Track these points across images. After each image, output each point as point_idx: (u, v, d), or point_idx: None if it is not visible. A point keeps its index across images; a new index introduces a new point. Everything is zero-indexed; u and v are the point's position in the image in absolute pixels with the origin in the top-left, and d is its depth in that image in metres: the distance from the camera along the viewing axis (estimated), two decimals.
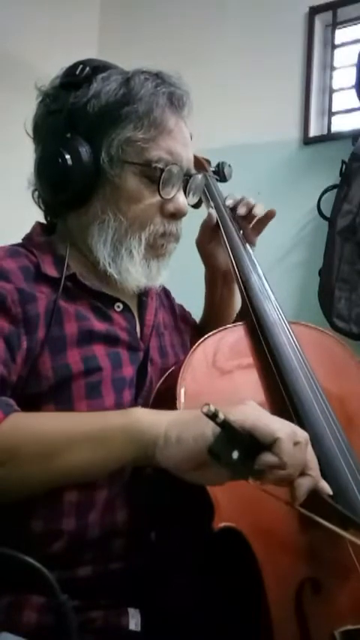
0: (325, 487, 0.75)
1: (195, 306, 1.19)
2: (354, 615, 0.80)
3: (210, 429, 0.67)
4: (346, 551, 0.82)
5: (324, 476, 0.83)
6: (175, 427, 0.71)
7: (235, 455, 0.66)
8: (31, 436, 0.75)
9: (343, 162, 1.99)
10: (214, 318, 1.11)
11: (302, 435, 0.72)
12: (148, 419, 0.74)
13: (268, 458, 0.69)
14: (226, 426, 0.66)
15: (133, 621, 0.83)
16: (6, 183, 2.02)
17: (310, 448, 0.74)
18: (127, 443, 0.73)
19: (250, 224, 1.12)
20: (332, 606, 0.80)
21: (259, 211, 1.11)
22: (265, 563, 0.77)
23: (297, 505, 0.72)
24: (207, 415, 0.65)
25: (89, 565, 0.84)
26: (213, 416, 0.65)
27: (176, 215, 0.93)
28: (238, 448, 0.66)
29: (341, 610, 0.80)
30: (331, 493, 0.75)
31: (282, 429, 0.70)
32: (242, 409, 0.71)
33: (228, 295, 1.12)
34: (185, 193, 0.94)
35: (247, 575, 0.78)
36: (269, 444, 0.69)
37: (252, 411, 0.71)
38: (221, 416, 0.65)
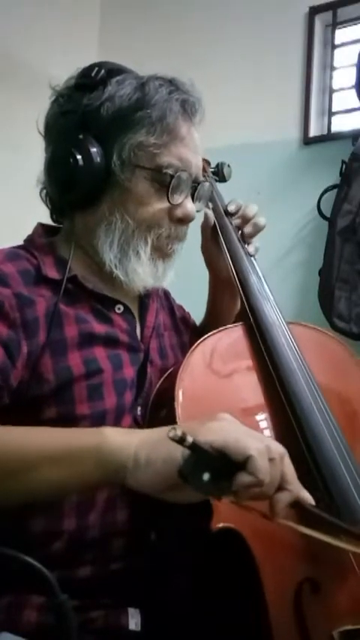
0: (307, 497, 0.73)
1: (196, 308, 1.19)
2: (353, 615, 0.80)
3: (179, 450, 0.65)
4: (345, 552, 0.82)
5: (323, 478, 0.84)
6: (144, 449, 0.69)
7: (206, 477, 0.63)
8: (1, 452, 0.73)
9: (343, 162, 1.99)
10: (214, 322, 1.10)
11: (277, 450, 0.70)
12: (117, 440, 0.71)
13: (244, 478, 0.66)
14: (195, 448, 0.63)
15: (133, 621, 0.84)
16: (8, 183, 2.02)
17: (287, 461, 0.71)
18: (96, 464, 0.71)
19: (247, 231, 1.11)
20: (331, 606, 0.80)
21: (260, 222, 1.10)
22: (264, 564, 0.77)
23: (277, 520, 0.71)
24: (173, 440, 0.62)
25: (89, 565, 0.84)
26: (180, 440, 0.62)
27: (184, 220, 0.93)
28: (209, 469, 0.64)
29: (340, 610, 0.80)
30: (313, 503, 0.73)
31: (254, 445, 0.67)
32: (213, 427, 0.68)
33: (229, 302, 1.12)
34: (192, 199, 0.95)
35: (247, 576, 0.78)
36: (243, 463, 0.66)
37: (223, 429, 0.68)
38: (189, 439, 0.62)
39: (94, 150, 0.89)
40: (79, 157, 0.88)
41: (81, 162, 0.89)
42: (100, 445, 0.71)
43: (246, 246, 1.09)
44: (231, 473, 0.67)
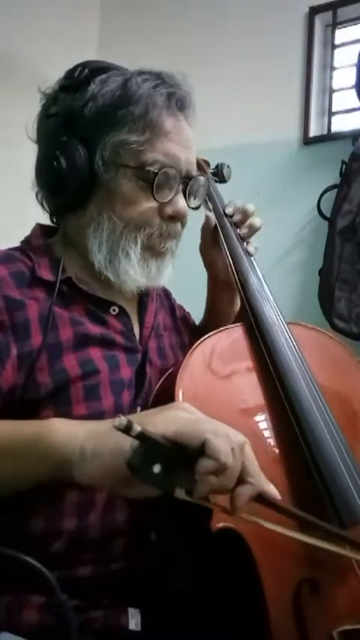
0: (272, 491, 0.69)
1: (196, 308, 1.19)
2: (352, 615, 0.80)
3: (128, 441, 0.62)
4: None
5: (322, 478, 0.84)
6: (91, 440, 0.67)
7: (157, 469, 0.61)
8: None
9: (343, 162, 2.00)
10: (213, 323, 1.10)
11: (236, 438, 0.66)
12: (63, 431, 0.69)
13: (205, 463, 0.63)
14: (143, 438, 0.60)
15: (133, 621, 0.83)
16: (6, 183, 2.02)
17: (248, 451, 0.68)
18: (39, 457, 0.69)
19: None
20: (330, 606, 0.80)
21: (256, 223, 1.10)
22: (263, 564, 0.78)
23: (238, 515, 0.67)
24: (118, 429, 0.59)
25: (89, 565, 0.84)
26: (126, 429, 0.59)
27: (175, 217, 0.92)
28: (160, 461, 0.61)
29: (339, 610, 0.80)
30: (279, 497, 0.70)
31: (209, 429, 0.64)
32: (166, 416, 0.66)
33: (228, 302, 1.12)
34: (186, 196, 0.93)
35: (246, 576, 0.78)
36: (200, 449, 0.63)
37: (177, 417, 0.66)
38: (136, 428, 0.59)
39: (77, 152, 0.88)
40: (62, 159, 0.88)
41: (64, 165, 0.88)
42: (44, 436, 0.70)
43: (245, 245, 1.08)
44: (186, 463, 0.63)
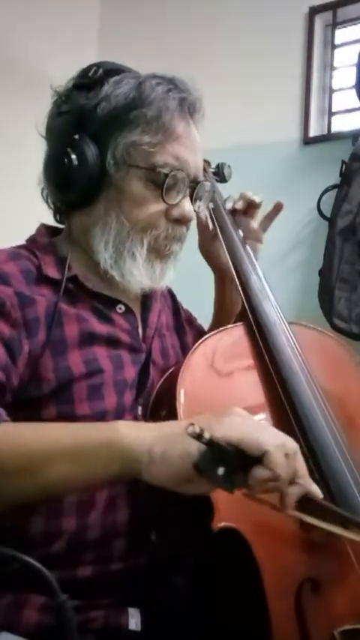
0: (316, 492, 0.74)
1: (197, 308, 1.18)
2: (353, 615, 0.80)
3: (195, 446, 0.66)
4: (345, 551, 0.82)
5: (323, 477, 0.84)
6: (159, 444, 0.69)
7: (221, 471, 0.66)
8: (14, 449, 0.73)
9: (343, 162, 1.99)
10: (223, 320, 1.10)
11: (291, 445, 0.71)
12: (131, 435, 0.72)
13: (261, 472, 0.68)
14: (211, 444, 0.65)
15: (133, 621, 0.84)
16: (6, 182, 2.02)
17: (299, 456, 0.73)
18: (110, 459, 0.71)
19: (253, 219, 1.12)
20: (331, 606, 0.80)
21: (258, 200, 1.11)
22: (265, 563, 0.77)
23: (287, 512, 0.72)
24: (192, 436, 0.64)
25: (89, 565, 0.84)
26: (198, 436, 0.64)
27: (181, 221, 0.93)
28: (223, 464, 0.66)
29: (340, 610, 0.80)
30: (321, 497, 0.74)
31: (270, 441, 0.68)
32: (228, 422, 0.69)
33: (236, 296, 1.12)
34: (192, 199, 0.94)
35: (247, 575, 0.78)
36: (259, 457, 0.68)
37: (238, 424, 0.70)
38: (206, 435, 0.64)
39: (88, 150, 0.89)
40: (73, 156, 0.89)
41: (75, 162, 0.89)
42: (113, 440, 0.72)
43: (246, 246, 1.08)
44: (246, 467, 0.68)
